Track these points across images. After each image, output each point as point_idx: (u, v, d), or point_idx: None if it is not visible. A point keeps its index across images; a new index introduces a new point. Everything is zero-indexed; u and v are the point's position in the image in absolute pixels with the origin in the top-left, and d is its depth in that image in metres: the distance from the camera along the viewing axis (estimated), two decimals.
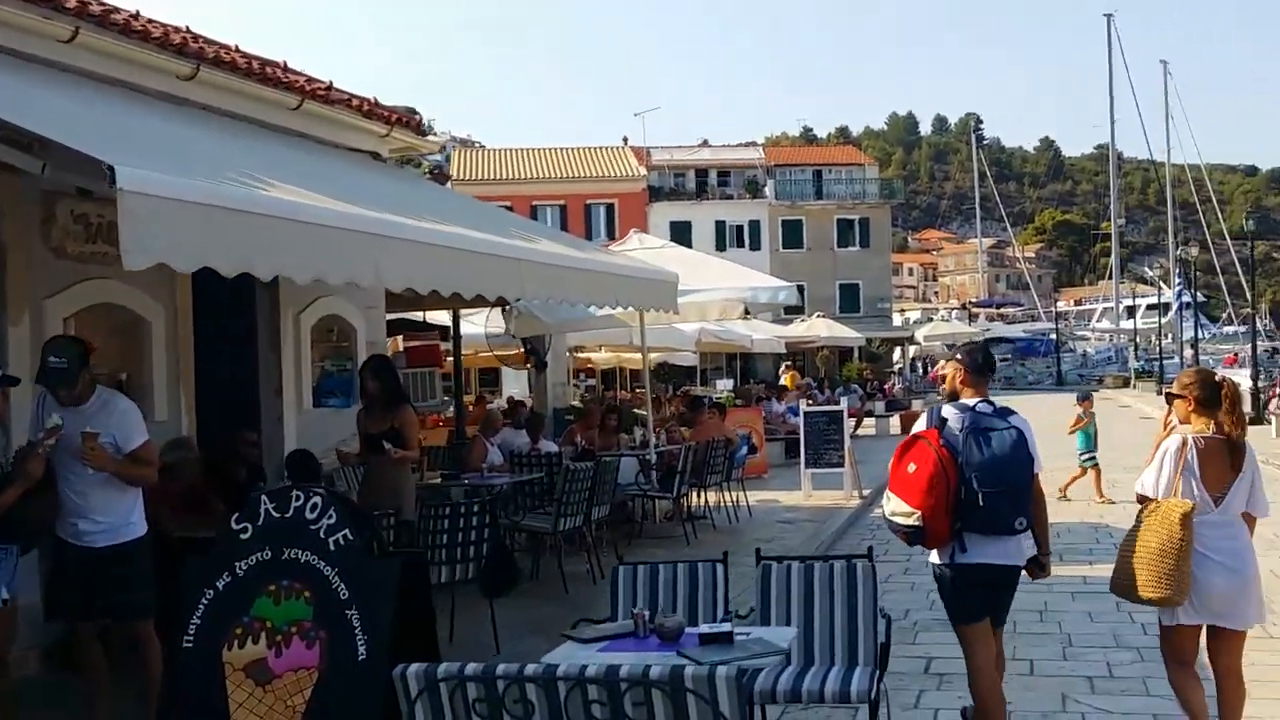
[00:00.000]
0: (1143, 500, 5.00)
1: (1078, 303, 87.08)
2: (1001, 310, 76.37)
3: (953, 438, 4.90)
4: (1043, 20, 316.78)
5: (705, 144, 55.20)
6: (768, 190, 51.10)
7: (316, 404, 10.05)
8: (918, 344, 54.82)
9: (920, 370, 56.49)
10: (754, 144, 54.26)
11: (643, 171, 50.44)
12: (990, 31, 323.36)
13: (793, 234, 51.13)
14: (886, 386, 38.29)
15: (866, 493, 15.40)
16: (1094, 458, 14.98)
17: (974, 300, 75.83)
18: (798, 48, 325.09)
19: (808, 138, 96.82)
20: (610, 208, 49.76)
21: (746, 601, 5.66)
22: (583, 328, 15.47)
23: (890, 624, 5.21)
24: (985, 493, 4.77)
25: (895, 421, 27.78)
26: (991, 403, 5.09)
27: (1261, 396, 26.88)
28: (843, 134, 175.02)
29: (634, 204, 49.76)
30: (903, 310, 79.86)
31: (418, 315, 14.24)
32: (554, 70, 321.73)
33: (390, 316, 12.38)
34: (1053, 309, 66.58)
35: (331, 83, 10.14)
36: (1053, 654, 7.41)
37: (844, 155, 57.00)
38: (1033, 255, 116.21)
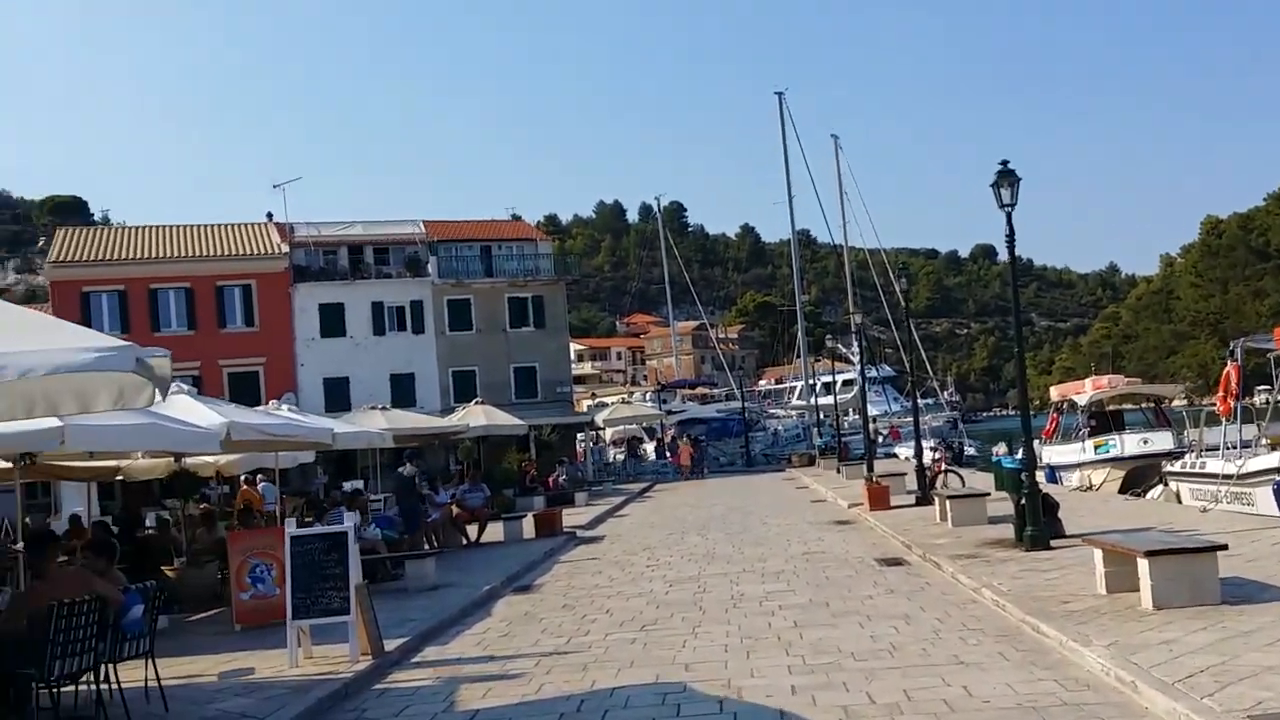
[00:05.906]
0: None
1: (778, 381, 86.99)
2: (697, 390, 74.43)
3: None
4: (739, 111, 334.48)
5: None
6: (430, 268, 46.32)
7: None
8: (600, 428, 51.40)
9: (610, 457, 52.81)
10: (413, 220, 49.01)
11: (285, 248, 44.62)
12: (692, 125, 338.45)
13: (460, 315, 46.44)
14: (550, 478, 33.93)
15: (393, 648, 10.99)
16: None
17: (669, 382, 73.55)
18: (509, 139, 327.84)
19: None
20: (247, 289, 43.66)
21: None
22: None
23: None
24: None
25: (530, 523, 23.43)
26: None
27: (927, 474, 24.21)
28: (551, 222, 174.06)
29: (275, 285, 43.88)
30: (595, 395, 76.96)
31: None
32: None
33: None
34: (749, 389, 64.99)
35: None
36: None
37: (513, 230, 52.62)
38: (735, 336, 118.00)
